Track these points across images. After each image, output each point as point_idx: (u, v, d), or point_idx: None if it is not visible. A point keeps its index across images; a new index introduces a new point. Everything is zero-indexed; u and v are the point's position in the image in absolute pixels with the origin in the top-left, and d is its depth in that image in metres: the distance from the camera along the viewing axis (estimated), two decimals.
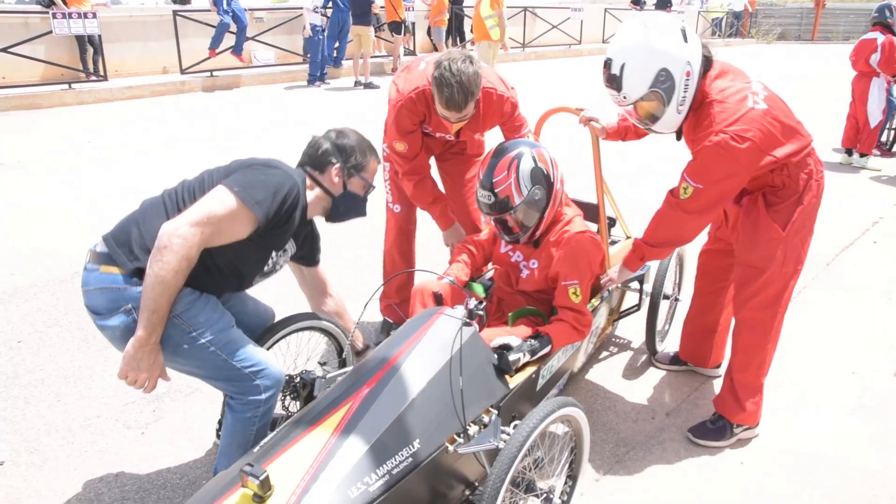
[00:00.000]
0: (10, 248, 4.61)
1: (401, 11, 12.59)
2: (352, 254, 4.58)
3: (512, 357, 2.29)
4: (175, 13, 11.30)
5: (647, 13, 2.36)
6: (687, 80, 2.31)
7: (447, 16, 14.11)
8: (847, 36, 24.25)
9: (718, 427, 2.74)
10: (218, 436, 2.49)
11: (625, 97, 2.34)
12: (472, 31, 9.81)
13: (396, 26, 12.77)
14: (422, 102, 2.84)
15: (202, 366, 2.07)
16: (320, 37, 11.82)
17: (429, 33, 14.87)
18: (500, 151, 2.54)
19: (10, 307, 3.77)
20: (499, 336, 2.41)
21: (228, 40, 11.60)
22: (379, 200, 3.32)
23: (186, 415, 2.87)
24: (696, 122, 2.44)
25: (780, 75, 14.04)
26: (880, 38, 6.85)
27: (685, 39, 2.30)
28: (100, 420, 2.83)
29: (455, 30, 15.50)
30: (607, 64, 2.33)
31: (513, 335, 2.43)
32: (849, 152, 7.39)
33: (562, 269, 2.56)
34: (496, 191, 2.46)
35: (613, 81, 2.32)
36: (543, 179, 2.52)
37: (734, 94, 2.33)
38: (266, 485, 1.64)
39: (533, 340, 2.41)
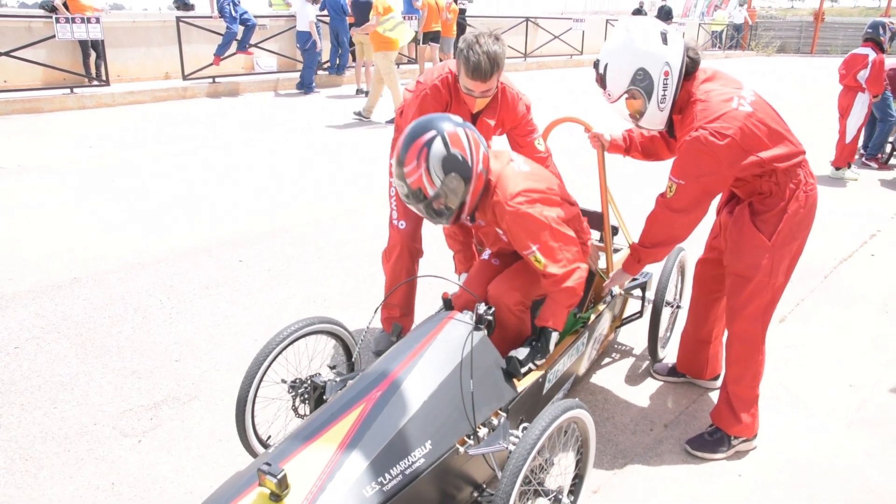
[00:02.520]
0: (10, 252, 4.61)
1: (435, 24, 12.66)
2: (351, 263, 4.58)
3: (523, 369, 2.36)
4: (178, 19, 11.35)
5: (633, 18, 2.51)
6: (665, 79, 2.45)
7: (454, 26, 14.10)
8: (846, 49, 24.22)
9: (716, 439, 2.73)
10: None
11: (609, 94, 2.53)
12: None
13: (434, 36, 12.80)
14: (445, 89, 2.94)
15: None
16: (317, 47, 11.88)
17: (419, 41, 14.78)
18: (412, 132, 2.30)
19: (7, 313, 3.76)
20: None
21: (232, 47, 11.64)
22: (384, 217, 3.32)
23: (185, 423, 2.86)
24: (682, 121, 2.55)
25: (778, 89, 14.08)
26: (872, 54, 6.88)
27: (665, 42, 2.44)
28: (96, 427, 2.82)
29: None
30: (595, 65, 2.55)
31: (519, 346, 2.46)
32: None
33: (514, 243, 2.51)
34: (408, 181, 2.29)
35: (600, 81, 2.53)
36: (460, 165, 2.31)
37: (719, 95, 2.43)
38: (283, 483, 1.66)
39: (536, 342, 2.45)
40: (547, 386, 2.52)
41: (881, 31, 6.96)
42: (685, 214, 2.51)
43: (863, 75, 6.89)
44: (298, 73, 12.43)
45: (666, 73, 2.44)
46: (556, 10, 23.01)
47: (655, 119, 2.55)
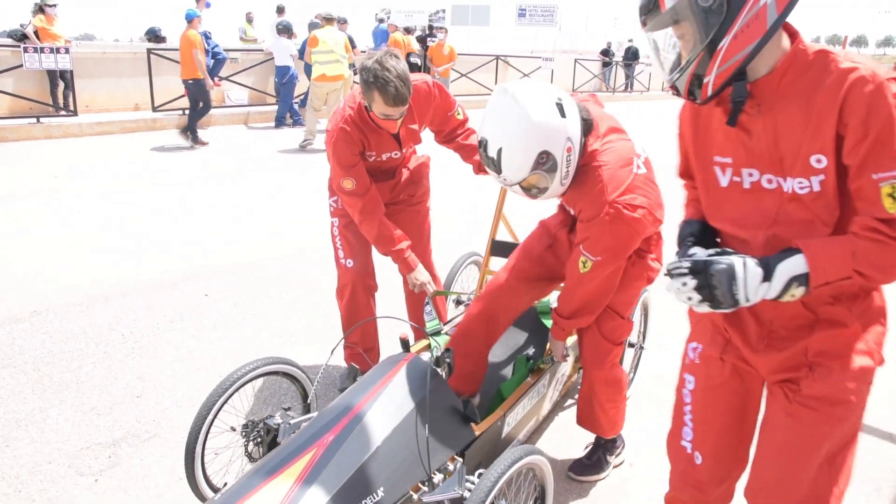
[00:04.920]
0: None
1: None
2: (320, 298, 4.56)
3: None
4: (149, 51, 11.34)
5: (519, 85, 2.20)
6: (568, 155, 2.18)
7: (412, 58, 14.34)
8: None
9: (594, 462, 2.82)
10: None
11: (505, 179, 2.20)
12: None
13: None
14: (354, 129, 2.85)
15: None
16: (295, 81, 11.96)
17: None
18: None
19: None
20: None
21: None
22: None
23: (144, 461, 2.80)
24: (578, 182, 2.30)
25: None
26: None
27: (563, 114, 2.15)
28: (51, 466, 2.73)
29: (425, 70, 15.83)
30: (483, 144, 2.17)
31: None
32: None
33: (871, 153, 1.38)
34: None
35: (491, 164, 2.17)
36: None
37: (619, 160, 2.26)
38: None
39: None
40: (506, 429, 2.50)
41: None
42: (601, 285, 2.43)
43: None
44: (269, 107, 12.49)
45: (569, 150, 2.17)
46: (525, 48, 23.57)
47: (556, 193, 2.31)
